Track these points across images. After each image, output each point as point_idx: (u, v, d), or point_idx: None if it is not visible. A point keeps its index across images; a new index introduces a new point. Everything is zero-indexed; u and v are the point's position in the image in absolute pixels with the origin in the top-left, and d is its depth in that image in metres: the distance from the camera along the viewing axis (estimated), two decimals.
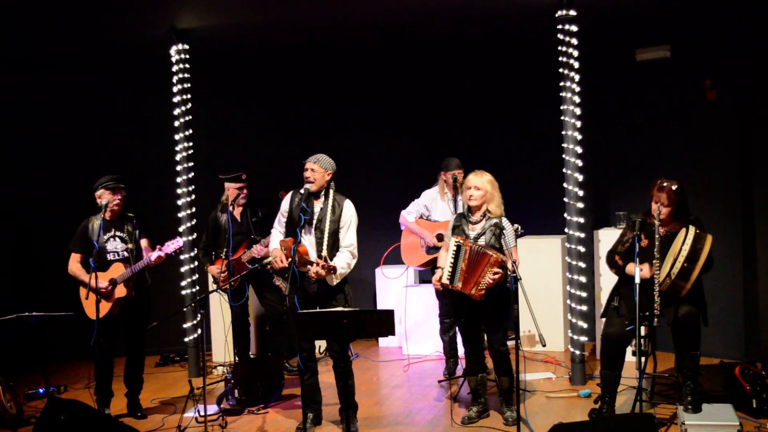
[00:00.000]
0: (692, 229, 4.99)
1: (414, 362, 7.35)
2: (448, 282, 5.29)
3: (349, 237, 5.36)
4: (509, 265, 5.06)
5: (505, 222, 5.32)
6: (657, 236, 5.04)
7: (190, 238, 7.26)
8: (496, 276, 5.07)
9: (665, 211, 5.15)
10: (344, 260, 5.28)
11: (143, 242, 6.05)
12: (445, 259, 5.39)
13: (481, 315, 5.42)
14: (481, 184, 5.32)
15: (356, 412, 5.51)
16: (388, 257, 7.64)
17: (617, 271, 5.35)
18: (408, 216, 6.79)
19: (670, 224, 5.21)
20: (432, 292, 7.00)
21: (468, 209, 5.42)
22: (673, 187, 5.12)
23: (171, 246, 5.83)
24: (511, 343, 5.67)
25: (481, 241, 5.23)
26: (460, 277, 5.22)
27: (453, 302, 5.47)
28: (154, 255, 5.81)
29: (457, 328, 6.79)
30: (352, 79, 8.67)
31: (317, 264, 5.14)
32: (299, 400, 5.30)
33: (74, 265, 6.03)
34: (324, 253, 5.27)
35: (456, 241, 5.27)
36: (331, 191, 5.39)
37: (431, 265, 6.75)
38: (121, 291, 5.85)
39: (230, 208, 6.73)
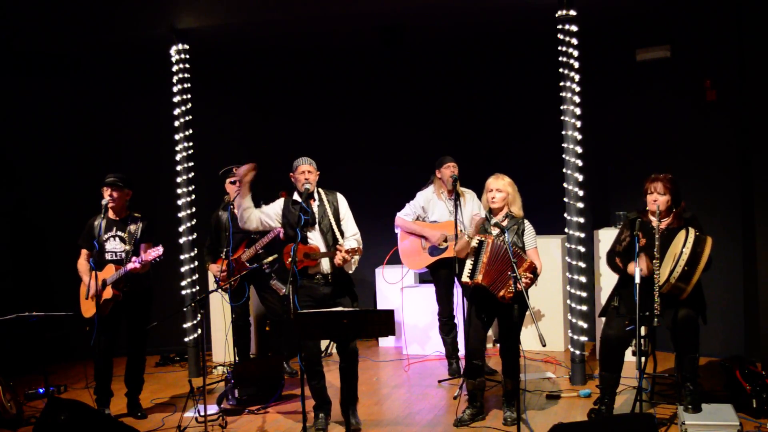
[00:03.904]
0: (692, 232, 4.97)
1: (414, 362, 7.36)
2: (468, 280, 5.29)
3: (351, 226, 5.53)
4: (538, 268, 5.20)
5: (527, 223, 5.38)
6: (656, 234, 5.04)
7: (190, 238, 7.26)
8: (527, 281, 5.08)
9: (663, 200, 5.15)
10: (354, 246, 5.41)
11: (144, 246, 5.96)
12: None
13: (497, 316, 5.42)
14: (503, 186, 5.37)
15: (356, 405, 5.52)
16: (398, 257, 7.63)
17: (619, 273, 5.34)
18: (406, 217, 6.74)
19: (668, 217, 5.21)
20: (432, 292, 7.00)
21: (489, 211, 5.45)
22: (668, 176, 5.18)
23: (152, 254, 5.73)
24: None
25: (503, 238, 5.22)
26: (480, 270, 5.22)
27: (473, 301, 5.45)
28: (129, 265, 5.75)
29: (458, 329, 6.81)
30: (352, 78, 8.66)
31: (340, 250, 5.25)
32: (299, 400, 5.31)
33: (80, 261, 6.05)
34: (341, 242, 5.42)
35: (478, 239, 5.29)
36: (320, 189, 5.55)
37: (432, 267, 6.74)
38: (107, 293, 5.82)
39: (231, 207, 6.73)
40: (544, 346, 4.71)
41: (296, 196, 5.52)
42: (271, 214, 5.52)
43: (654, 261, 5.00)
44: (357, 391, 5.51)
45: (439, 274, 6.68)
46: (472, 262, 5.30)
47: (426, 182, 6.86)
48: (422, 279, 8.13)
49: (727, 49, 6.90)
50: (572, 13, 6.25)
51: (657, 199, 5.16)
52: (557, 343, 7.46)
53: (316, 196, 5.50)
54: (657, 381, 5.87)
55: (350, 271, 5.44)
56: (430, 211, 6.69)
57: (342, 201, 5.57)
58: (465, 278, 5.31)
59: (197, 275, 7.32)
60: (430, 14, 7.14)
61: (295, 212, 5.40)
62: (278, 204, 5.56)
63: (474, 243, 5.30)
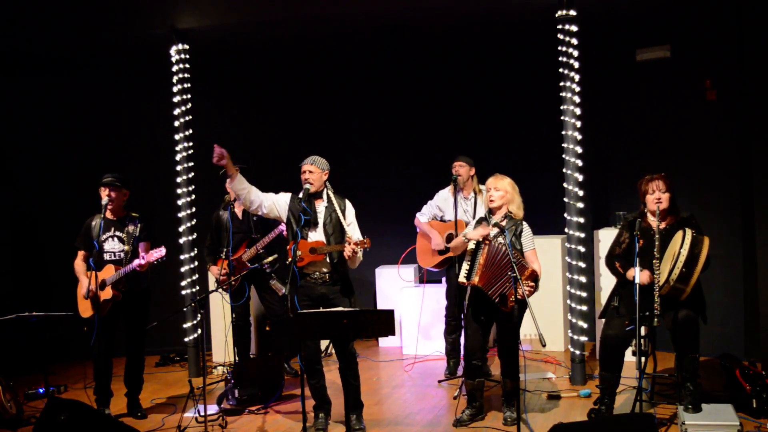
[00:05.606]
0: (689, 233, 4.96)
1: (414, 362, 7.35)
2: (465, 280, 5.29)
3: (356, 233, 5.49)
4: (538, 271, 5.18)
5: (525, 225, 5.36)
6: (657, 234, 5.03)
7: (190, 238, 7.26)
8: (529, 289, 5.07)
9: (666, 197, 5.15)
10: (362, 238, 5.40)
11: (143, 245, 5.98)
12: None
13: (496, 316, 5.41)
14: (501, 185, 5.37)
15: (362, 411, 5.53)
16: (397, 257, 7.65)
17: (618, 277, 5.33)
18: (421, 217, 6.84)
19: (668, 216, 5.20)
20: (434, 291, 7.02)
21: (489, 211, 5.44)
22: (663, 174, 5.19)
23: (154, 254, 5.74)
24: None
25: (501, 240, 5.21)
26: (477, 272, 5.22)
27: (472, 302, 5.44)
28: (135, 262, 5.76)
29: (462, 330, 6.81)
30: (352, 79, 8.66)
31: (349, 242, 5.24)
32: (299, 400, 5.32)
33: (77, 262, 6.05)
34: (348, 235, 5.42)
35: (475, 241, 5.28)
36: (330, 191, 5.50)
37: (445, 266, 6.77)
38: (107, 293, 5.82)
39: (231, 207, 6.72)
40: (544, 346, 4.70)
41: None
42: (281, 203, 5.46)
43: (654, 261, 5.00)
44: (360, 396, 5.50)
45: (450, 273, 6.73)
46: (468, 263, 5.30)
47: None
48: (428, 279, 8.11)
49: (727, 49, 6.90)
50: (572, 13, 6.25)
51: (660, 197, 5.14)
52: (557, 343, 7.46)
53: (324, 196, 5.46)
54: (657, 381, 5.87)
55: (354, 266, 5.42)
56: (446, 210, 6.75)
57: (350, 208, 5.54)
58: (462, 278, 5.31)
59: (197, 275, 7.32)
60: (429, 14, 7.14)
61: (298, 210, 5.38)
62: (287, 196, 5.50)
63: (471, 245, 5.30)
